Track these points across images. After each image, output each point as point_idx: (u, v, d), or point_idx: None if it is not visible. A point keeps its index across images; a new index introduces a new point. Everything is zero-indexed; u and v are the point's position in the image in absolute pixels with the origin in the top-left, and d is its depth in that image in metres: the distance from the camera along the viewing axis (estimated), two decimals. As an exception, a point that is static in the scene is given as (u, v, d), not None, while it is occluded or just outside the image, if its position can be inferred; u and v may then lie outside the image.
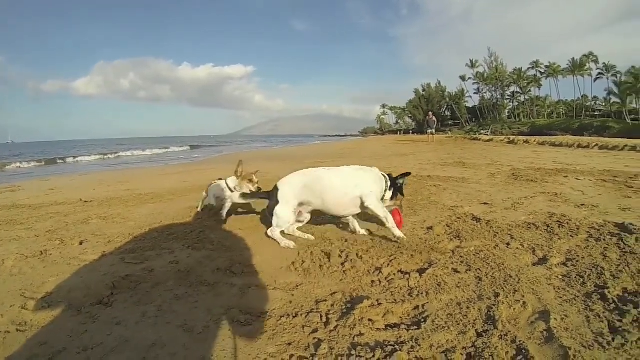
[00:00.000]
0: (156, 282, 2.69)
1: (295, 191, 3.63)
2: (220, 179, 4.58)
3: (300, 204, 3.68)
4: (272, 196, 3.69)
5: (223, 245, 3.54)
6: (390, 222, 3.48)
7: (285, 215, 3.60)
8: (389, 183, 3.70)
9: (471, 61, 77.80)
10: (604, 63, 59.28)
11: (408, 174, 3.86)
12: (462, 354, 1.80)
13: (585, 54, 61.86)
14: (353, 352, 1.83)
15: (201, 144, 44.82)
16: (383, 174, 3.75)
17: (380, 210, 3.49)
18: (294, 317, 2.18)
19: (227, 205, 4.40)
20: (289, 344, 1.91)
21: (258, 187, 4.18)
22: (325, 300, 2.39)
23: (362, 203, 3.54)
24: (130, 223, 4.52)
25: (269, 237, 3.66)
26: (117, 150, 32.47)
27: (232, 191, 4.28)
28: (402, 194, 3.87)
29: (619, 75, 56.09)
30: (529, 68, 69.49)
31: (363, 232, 3.83)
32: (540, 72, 68.46)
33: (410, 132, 79.24)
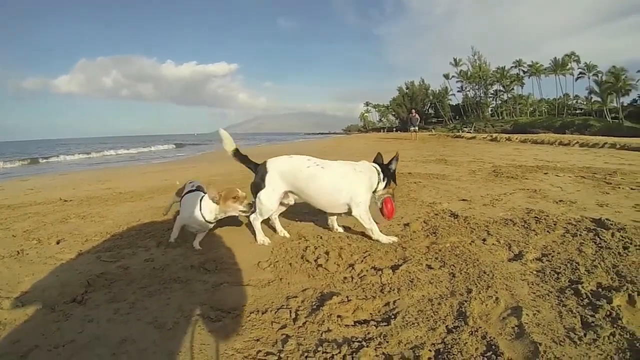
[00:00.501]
0: (131, 279, 2.70)
1: (285, 178, 3.44)
2: (194, 188, 3.74)
3: (288, 192, 3.55)
4: (258, 173, 3.49)
5: (200, 242, 3.51)
6: (375, 232, 3.39)
7: (269, 203, 3.42)
8: (381, 175, 3.52)
9: (455, 60, 78.93)
10: (586, 63, 60.99)
11: (396, 156, 3.65)
12: (430, 350, 1.77)
13: (568, 54, 63.51)
14: (320, 348, 1.83)
15: (184, 142, 44.27)
16: (374, 165, 3.58)
17: (367, 221, 3.39)
18: (263, 313, 2.18)
19: (202, 235, 3.58)
20: (257, 340, 1.92)
21: (249, 204, 3.38)
22: (296, 297, 2.38)
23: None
24: (108, 222, 4.51)
25: (250, 225, 3.62)
26: (98, 149, 31.83)
27: (210, 223, 3.44)
28: (395, 182, 3.67)
29: (600, 75, 57.82)
30: (512, 67, 71.03)
31: (340, 229, 3.77)
32: (523, 71, 69.97)
33: (394, 129, 79.86)
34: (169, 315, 2.19)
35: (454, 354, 1.72)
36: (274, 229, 3.75)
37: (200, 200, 3.39)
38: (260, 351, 1.83)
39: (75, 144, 62.82)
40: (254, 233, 3.56)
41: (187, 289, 2.53)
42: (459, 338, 1.83)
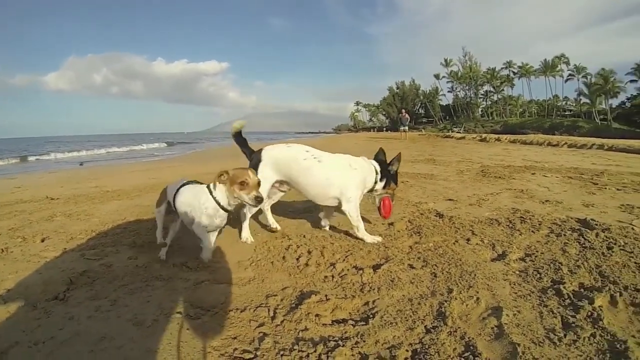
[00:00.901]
0: (113, 277, 2.71)
1: (278, 168, 3.38)
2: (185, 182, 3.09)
3: (280, 182, 3.50)
4: (252, 161, 3.43)
5: (182, 240, 3.47)
6: (360, 230, 3.36)
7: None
8: (379, 175, 3.47)
9: (445, 60, 79.51)
10: (575, 65, 61.85)
11: (398, 157, 3.58)
12: (407, 350, 1.76)
13: (557, 56, 64.34)
14: (296, 346, 1.84)
15: (174, 141, 43.96)
16: (373, 164, 3.51)
17: (354, 217, 3.35)
18: (242, 311, 2.19)
19: (215, 236, 3.08)
20: (234, 338, 1.93)
21: (256, 197, 2.68)
22: (275, 295, 2.38)
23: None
24: (94, 220, 4.49)
25: (236, 222, 3.58)
26: (88, 147, 31.53)
27: (227, 211, 2.86)
28: (396, 183, 3.62)
29: (589, 77, 58.73)
30: (502, 68, 71.82)
31: (327, 227, 3.75)
32: (513, 72, 70.72)
33: (384, 129, 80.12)
34: (149, 312, 2.19)
35: (431, 354, 1.70)
36: (263, 223, 3.72)
37: (208, 186, 2.83)
38: (237, 349, 1.83)
39: (65, 141, 62.00)
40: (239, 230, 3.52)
41: (169, 287, 2.53)
42: (437, 338, 1.82)
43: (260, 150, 3.45)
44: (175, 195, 2.95)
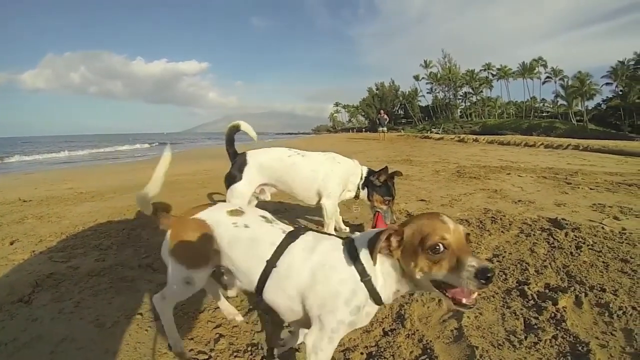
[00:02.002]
0: (79, 279, 2.72)
1: (263, 171, 3.31)
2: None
3: (264, 184, 3.41)
4: (236, 163, 3.31)
5: (151, 242, 3.51)
6: (329, 229, 3.36)
7: (241, 196, 3.22)
8: (362, 180, 3.41)
9: (425, 62, 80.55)
10: (553, 67, 63.62)
11: (385, 169, 3.39)
12: (362, 353, 1.74)
13: (535, 59, 65.95)
14: (250, 348, 1.88)
15: (153, 141, 43.21)
16: (362, 168, 3.47)
17: (328, 214, 3.34)
18: (201, 312, 2.24)
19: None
20: (191, 339, 1.98)
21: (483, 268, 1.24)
22: (236, 297, 2.39)
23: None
24: (65, 222, 4.45)
25: None
26: (66, 147, 30.68)
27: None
28: (383, 195, 3.37)
29: (566, 80, 60.41)
30: (481, 70, 73.25)
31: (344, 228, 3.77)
32: (492, 74, 72.16)
33: (363, 130, 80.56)
34: (111, 314, 2.23)
35: (386, 358, 1.67)
36: None
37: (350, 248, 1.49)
38: (192, 349, 1.88)
39: (40, 142, 60.26)
40: None
41: (132, 288, 2.57)
42: (394, 341, 1.79)
43: (244, 153, 3.36)
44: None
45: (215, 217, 1.70)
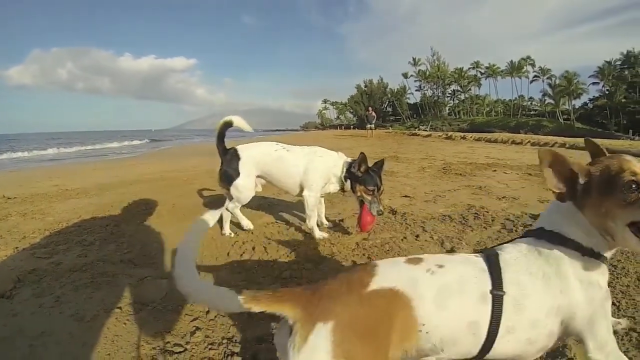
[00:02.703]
0: (60, 274, 2.75)
1: (256, 164, 3.49)
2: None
3: (257, 176, 3.57)
4: (230, 161, 3.42)
5: (134, 237, 3.56)
6: (312, 222, 3.43)
7: (247, 190, 3.44)
8: (343, 173, 3.38)
9: (414, 59, 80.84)
10: (540, 66, 64.31)
11: (362, 156, 3.28)
12: None
13: (524, 57, 66.63)
14: (225, 341, 1.95)
15: (141, 138, 42.73)
16: (345, 159, 3.46)
17: (310, 206, 3.42)
18: (179, 305, 2.27)
19: None
20: (168, 332, 2.03)
21: None
22: None
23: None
24: (49, 219, 4.45)
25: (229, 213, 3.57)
26: (53, 144, 30.16)
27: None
28: (374, 185, 3.27)
29: (553, 79, 61.15)
30: (469, 68, 73.68)
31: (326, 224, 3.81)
32: (480, 72, 72.65)
33: (352, 127, 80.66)
34: (90, 308, 2.27)
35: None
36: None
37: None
38: (169, 342, 1.94)
39: (28, 139, 59.26)
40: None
41: (113, 283, 2.61)
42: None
43: (235, 150, 3.49)
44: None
45: (405, 275, 1.17)
